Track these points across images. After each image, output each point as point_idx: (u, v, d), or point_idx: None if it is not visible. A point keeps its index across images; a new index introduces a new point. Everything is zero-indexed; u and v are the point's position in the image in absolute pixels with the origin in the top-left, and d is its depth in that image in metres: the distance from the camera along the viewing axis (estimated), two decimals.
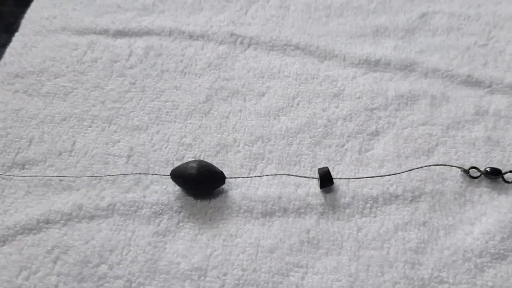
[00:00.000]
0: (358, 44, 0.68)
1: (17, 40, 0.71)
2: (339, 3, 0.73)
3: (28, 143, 0.60)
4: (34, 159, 0.59)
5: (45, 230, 0.53)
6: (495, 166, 0.56)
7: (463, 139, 0.58)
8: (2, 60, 0.69)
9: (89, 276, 0.50)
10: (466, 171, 0.55)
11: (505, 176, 0.55)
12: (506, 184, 0.55)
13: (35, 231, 0.53)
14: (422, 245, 0.51)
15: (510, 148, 0.57)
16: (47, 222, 0.54)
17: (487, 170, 0.55)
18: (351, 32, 0.69)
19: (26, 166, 0.59)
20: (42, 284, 0.50)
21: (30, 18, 0.73)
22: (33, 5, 0.75)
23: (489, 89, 0.62)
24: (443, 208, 0.53)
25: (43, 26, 0.72)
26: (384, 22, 0.70)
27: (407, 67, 0.65)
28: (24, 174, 0.58)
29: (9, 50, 0.70)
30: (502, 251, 0.50)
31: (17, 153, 0.60)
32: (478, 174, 0.55)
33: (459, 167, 0.55)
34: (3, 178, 0.57)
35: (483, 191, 0.54)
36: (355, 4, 0.72)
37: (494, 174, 0.55)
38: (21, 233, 0.53)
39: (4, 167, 0.58)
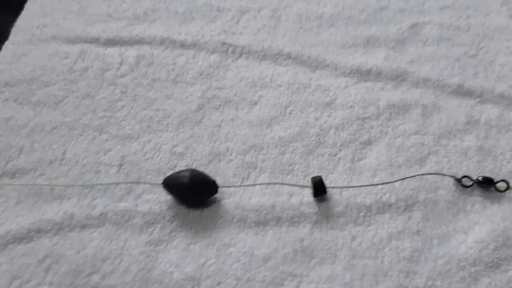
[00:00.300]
0: (350, 54, 0.68)
1: (7, 49, 0.70)
2: (330, 14, 0.73)
3: (18, 152, 0.59)
4: (25, 168, 0.58)
5: (36, 239, 0.53)
6: (487, 175, 0.56)
7: (455, 148, 0.59)
8: None
9: (82, 286, 0.50)
10: (458, 180, 0.55)
11: (497, 185, 0.55)
12: (498, 193, 0.55)
13: (26, 240, 0.53)
14: (416, 254, 0.51)
15: (502, 157, 0.58)
16: (38, 231, 0.53)
17: (479, 179, 0.55)
18: (342, 42, 0.70)
19: (17, 175, 0.58)
20: None
21: (20, 27, 0.73)
22: (23, 14, 0.75)
23: (480, 98, 0.63)
24: (436, 217, 0.53)
25: (33, 35, 0.71)
26: (375, 33, 0.70)
27: (398, 77, 0.65)
28: (14, 183, 0.57)
29: None
30: (496, 260, 0.50)
31: (7, 162, 0.59)
32: (471, 183, 0.55)
33: (451, 176, 0.56)
34: None
35: (476, 200, 0.55)
36: (346, 14, 0.73)
37: (487, 183, 0.55)
38: (12, 242, 0.53)
39: None
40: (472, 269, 0.50)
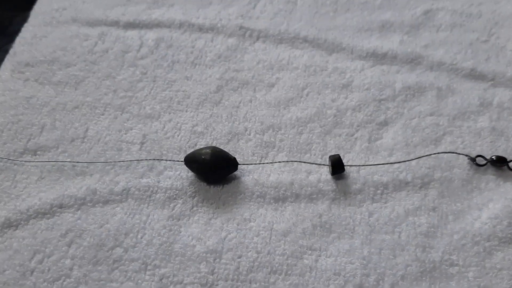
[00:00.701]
0: (365, 38, 0.69)
1: (27, 30, 0.71)
2: None
3: (40, 130, 0.61)
4: (47, 146, 0.59)
5: (58, 214, 0.54)
6: (500, 154, 0.57)
7: (469, 129, 0.60)
8: (11, 49, 0.69)
9: (104, 259, 0.51)
10: (472, 159, 0.57)
11: (510, 164, 0.56)
12: (511, 172, 0.56)
13: (48, 215, 0.54)
14: (432, 229, 0.52)
15: None
16: (61, 206, 0.54)
17: (493, 158, 0.56)
18: (358, 27, 0.71)
19: (38, 152, 0.59)
20: (56, 267, 0.50)
21: (40, 9, 0.74)
22: None
23: (492, 82, 0.64)
24: (451, 194, 0.55)
25: (53, 17, 0.72)
26: (390, 18, 0.72)
27: (413, 61, 0.66)
28: (36, 160, 0.58)
29: (18, 39, 0.70)
30: (509, 235, 0.52)
31: (29, 139, 0.60)
32: (484, 162, 0.56)
33: (466, 155, 0.57)
34: (15, 164, 0.58)
35: (489, 178, 0.56)
36: (361, 0, 0.74)
37: (500, 162, 0.56)
38: (34, 218, 0.54)
39: (16, 153, 0.59)
40: (487, 244, 0.51)
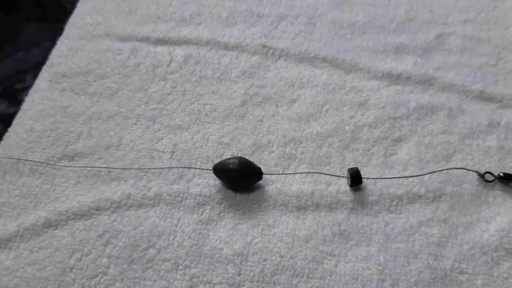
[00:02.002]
0: (381, 59, 0.74)
1: (63, 43, 0.76)
2: (362, 22, 0.79)
3: (77, 137, 0.65)
4: (83, 152, 0.64)
5: (95, 216, 0.58)
6: (507, 172, 0.61)
7: (478, 147, 0.64)
8: (49, 61, 0.74)
9: (139, 259, 0.55)
10: (481, 175, 0.61)
11: None
12: None
13: (86, 217, 0.58)
14: (444, 239, 0.56)
15: None
16: (98, 209, 0.58)
17: (500, 175, 0.60)
18: (374, 48, 0.75)
19: (75, 158, 0.63)
20: (94, 265, 0.54)
21: (74, 24, 0.78)
22: (76, 12, 0.81)
23: (500, 103, 0.68)
24: (461, 208, 0.59)
25: (87, 31, 0.77)
26: (404, 41, 0.76)
27: (426, 82, 0.71)
28: (74, 165, 0.62)
29: (55, 52, 0.75)
30: None
31: (67, 146, 0.64)
32: (492, 178, 0.60)
33: (475, 172, 0.61)
34: (53, 168, 0.62)
35: (497, 193, 0.60)
36: (377, 23, 0.79)
37: (507, 179, 0.60)
38: (73, 219, 0.58)
39: (54, 158, 0.63)
40: (494, 254, 0.55)
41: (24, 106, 0.69)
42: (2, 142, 0.65)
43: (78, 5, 0.82)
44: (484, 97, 0.69)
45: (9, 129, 0.66)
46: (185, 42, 0.76)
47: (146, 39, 0.76)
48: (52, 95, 0.69)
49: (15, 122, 0.67)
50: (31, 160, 0.62)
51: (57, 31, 0.77)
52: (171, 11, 0.81)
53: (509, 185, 0.60)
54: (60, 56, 0.74)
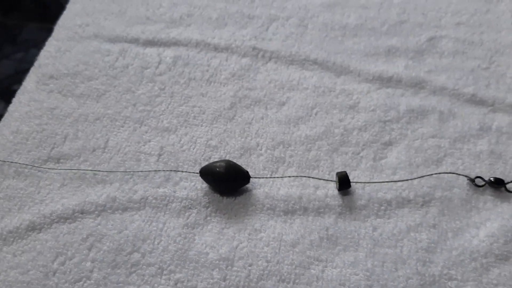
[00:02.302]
0: (372, 62, 0.73)
1: (51, 44, 0.75)
2: (354, 24, 0.78)
3: (63, 139, 0.64)
4: (69, 154, 0.63)
5: (80, 219, 0.57)
6: (498, 177, 0.60)
7: (468, 152, 0.63)
8: (36, 62, 0.73)
9: (123, 263, 0.54)
10: (472, 180, 0.60)
11: (508, 186, 0.60)
12: (508, 193, 0.59)
13: (70, 220, 0.57)
14: (433, 245, 0.55)
15: (511, 161, 0.62)
16: (82, 212, 0.57)
17: (491, 180, 0.60)
18: (365, 51, 0.75)
19: (61, 160, 0.62)
20: (78, 269, 0.53)
21: (63, 25, 0.78)
22: (65, 13, 0.80)
23: (491, 107, 0.68)
24: (451, 213, 0.58)
25: (76, 33, 0.76)
26: (396, 43, 0.75)
27: (417, 85, 0.70)
28: (59, 167, 0.61)
29: (43, 53, 0.74)
30: (505, 253, 0.55)
31: (52, 148, 0.63)
32: (483, 183, 0.60)
33: (465, 176, 0.60)
34: (39, 171, 0.61)
35: (487, 198, 0.59)
36: (369, 26, 0.78)
37: (497, 184, 0.59)
38: (57, 222, 0.57)
39: (40, 161, 0.62)
40: (484, 261, 0.54)
41: (11, 108, 0.68)
42: None
43: (68, 6, 0.81)
44: (475, 100, 0.68)
45: None
46: (175, 43, 0.75)
47: (135, 41, 0.75)
48: (39, 97, 0.68)
49: (1, 123, 0.66)
50: (16, 162, 0.62)
51: None
52: (161, 12, 0.80)
53: (499, 190, 0.60)
54: (48, 57, 0.73)
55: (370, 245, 0.55)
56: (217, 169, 0.58)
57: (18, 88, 0.70)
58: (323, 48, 0.75)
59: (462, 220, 0.57)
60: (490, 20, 0.79)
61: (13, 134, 0.65)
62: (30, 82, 0.70)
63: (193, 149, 0.63)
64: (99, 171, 0.61)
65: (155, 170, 0.61)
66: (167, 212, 0.58)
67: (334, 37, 0.77)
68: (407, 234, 0.56)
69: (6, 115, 0.67)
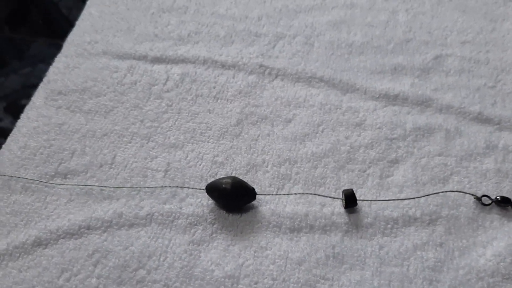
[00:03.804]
0: (378, 80, 0.73)
1: (60, 61, 0.76)
2: (360, 42, 0.79)
3: (70, 155, 0.64)
4: (76, 170, 0.63)
5: (86, 235, 0.57)
6: (504, 195, 0.60)
7: (475, 170, 0.63)
8: (45, 78, 0.74)
9: (128, 280, 0.54)
10: (478, 199, 0.60)
11: None
12: None
13: (76, 236, 0.57)
14: (439, 264, 0.55)
15: None
16: (88, 228, 0.58)
17: (497, 199, 0.59)
18: (371, 69, 0.75)
19: (68, 176, 0.63)
20: (83, 285, 0.53)
21: (73, 41, 0.79)
22: (75, 30, 0.81)
23: (498, 126, 0.68)
24: (458, 231, 0.58)
25: (85, 49, 0.77)
26: (402, 62, 0.76)
27: (423, 103, 0.70)
28: (66, 183, 0.62)
29: (52, 69, 0.75)
30: None
31: (60, 163, 0.64)
32: (490, 202, 0.59)
33: (472, 195, 0.60)
34: (46, 186, 0.61)
35: (494, 217, 0.59)
36: (375, 44, 0.79)
37: (504, 203, 0.59)
38: (63, 238, 0.57)
39: (47, 176, 0.62)
40: (490, 280, 0.54)
41: (19, 123, 0.69)
42: None
43: (77, 23, 0.83)
44: (482, 119, 0.68)
45: (3, 145, 0.66)
46: (182, 60, 0.76)
47: (143, 57, 0.76)
48: (47, 112, 0.69)
49: (9, 139, 0.67)
50: (23, 178, 0.62)
51: None
52: (169, 29, 0.81)
53: (506, 209, 0.60)
54: (57, 73, 0.74)
55: (376, 264, 0.55)
56: (223, 186, 0.58)
57: (26, 103, 0.71)
58: (330, 65, 0.75)
59: (468, 239, 0.57)
60: (495, 39, 0.80)
61: (21, 149, 0.65)
62: (38, 97, 0.71)
63: (200, 165, 0.64)
64: (105, 186, 0.61)
65: (162, 186, 0.61)
66: (173, 229, 0.58)
67: (340, 55, 0.77)
68: (413, 253, 0.56)
69: (14, 130, 0.68)
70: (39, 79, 0.74)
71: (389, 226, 0.58)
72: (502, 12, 0.84)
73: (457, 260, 0.55)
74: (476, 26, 0.81)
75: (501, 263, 0.55)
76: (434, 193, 0.60)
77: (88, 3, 0.87)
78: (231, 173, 0.63)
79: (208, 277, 0.54)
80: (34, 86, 0.73)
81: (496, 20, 0.82)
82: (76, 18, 0.84)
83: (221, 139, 0.67)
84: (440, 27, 0.81)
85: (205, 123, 0.68)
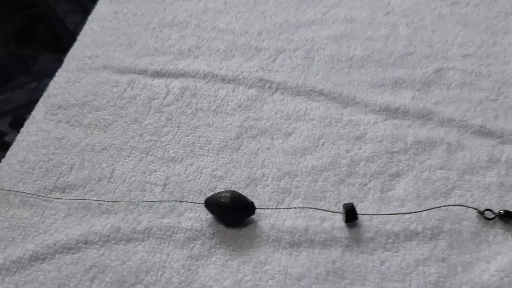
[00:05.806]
0: (379, 93, 0.73)
1: (61, 75, 0.76)
2: (360, 56, 0.79)
3: (69, 169, 0.64)
4: (75, 184, 0.63)
5: (83, 250, 0.57)
6: (508, 209, 0.59)
7: (477, 184, 0.62)
8: (46, 92, 0.74)
9: None
10: (481, 213, 0.59)
11: None
12: None
13: (74, 251, 0.57)
14: (442, 279, 0.54)
15: None
16: (86, 242, 0.57)
17: (501, 213, 0.58)
18: (371, 82, 0.75)
19: (67, 190, 0.62)
20: None
21: (74, 56, 0.79)
22: (76, 44, 0.82)
23: (500, 139, 0.67)
24: (460, 246, 0.56)
25: (85, 64, 0.77)
26: (402, 75, 0.75)
27: (424, 116, 0.69)
28: (64, 197, 0.61)
29: (53, 83, 0.75)
30: None
31: (58, 177, 0.63)
32: (493, 216, 0.58)
33: (475, 209, 0.59)
34: (44, 200, 0.61)
35: (497, 232, 0.58)
36: (375, 57, 0.78)
37: (508, 217, 0.58)
38: (60, 252, 0.57)
39: (46, 190, 0.62)
40: None
41: (18, 137, 0.69)
42: None
43: (79, 38, 0.83)
44: (484, 132, 0.68)
45: (3, 160, 0.66)
46: (182, 74, 0.76)
47: (143, 72, 0.76)
48: (47, 126, 0.69)
49: (8, 153, 0.67)
50: (21, 192, 0.62)
51: None
52: (170, 44, 0.81)
53: (510, 223, 0.58)
54: (57, 87, 0.74)
55: (377, 279, 0.54)
56: (222, 200, 0.57)
57: None
58: (330, 79, 0.75)
59: (471, 254, 0.56)
60: (497, 52, 0.79)
61: (20, 163, 0.65)
62: (38, 112, 0.71)
63: (199, 179, 0.63)
64: (104, 201, 0.61)
65: (160, 201, 0.60)
66: (171, 243, 0.57)
67: (340, 68, 0.77)
68: (415, 268, 0.55)
69: (14, 145, 0.68)
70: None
71: (390, 240, 0.57)
72: (503, 26, 0.83)
73: (460, 275, 0.54)
74: (477, 40, 0.81)
75: (505, 279, 0.54)
76: (436, 207, 0.59)
77: (90, 18, 0.87)
78: (231, 187, 0.62)
79: None
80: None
81: (497, 34, 0.82)
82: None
83: (220, 153, 0.66)
84: (441, 40, 0.81)
85: (205, 137, 0.68)
